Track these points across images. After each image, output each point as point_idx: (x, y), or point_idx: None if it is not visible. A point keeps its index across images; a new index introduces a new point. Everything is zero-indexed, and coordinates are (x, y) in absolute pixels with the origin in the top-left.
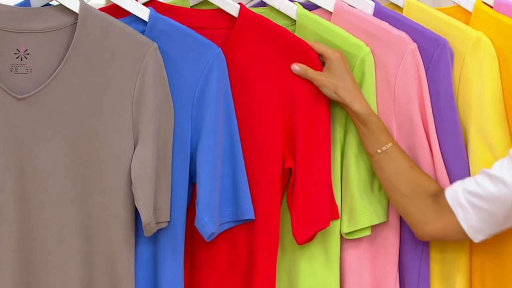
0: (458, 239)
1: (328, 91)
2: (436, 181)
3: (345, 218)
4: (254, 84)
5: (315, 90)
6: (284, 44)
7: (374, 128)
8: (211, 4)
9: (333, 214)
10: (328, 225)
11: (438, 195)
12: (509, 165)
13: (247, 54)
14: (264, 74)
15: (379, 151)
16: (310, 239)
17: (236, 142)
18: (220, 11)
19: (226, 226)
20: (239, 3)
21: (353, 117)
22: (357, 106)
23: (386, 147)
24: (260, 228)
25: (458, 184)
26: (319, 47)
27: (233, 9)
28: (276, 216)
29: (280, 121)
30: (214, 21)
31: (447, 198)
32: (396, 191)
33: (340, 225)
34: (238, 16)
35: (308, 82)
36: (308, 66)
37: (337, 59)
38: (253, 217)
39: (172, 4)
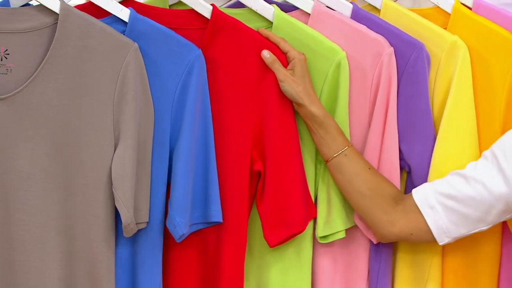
0: (423, 241)
1: (289, 88)
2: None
3: (320, 221)
4: (225, 86)
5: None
6: (254, 46)
7: (332, 130)
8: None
9: (309, 215)
10: (304, 228)
11: (401, 197)
12: (485, 167)
13: (219, 56)
14: (235, 75)
15: (338, 153)
16: (284, 241)
17: (210, 144)
18: (194, 11)
19: (195, 228)
20: (212, 4)
21: (309, 121)
22: (314, 108)
23: (345, 149)
24: (227, 230)
25: (427, 186)
26: (284, 46)
27: (206, 10)
28: (244, 218)
29: (250, 123)
30: (188, 21)
31: (415, 199)
32: (356, 192)
33: (315, 228)
34: (210, 17)
35: (278, 84)
36: None
37: (302, 61)
38: (221, 220)
39: (149, 4)
